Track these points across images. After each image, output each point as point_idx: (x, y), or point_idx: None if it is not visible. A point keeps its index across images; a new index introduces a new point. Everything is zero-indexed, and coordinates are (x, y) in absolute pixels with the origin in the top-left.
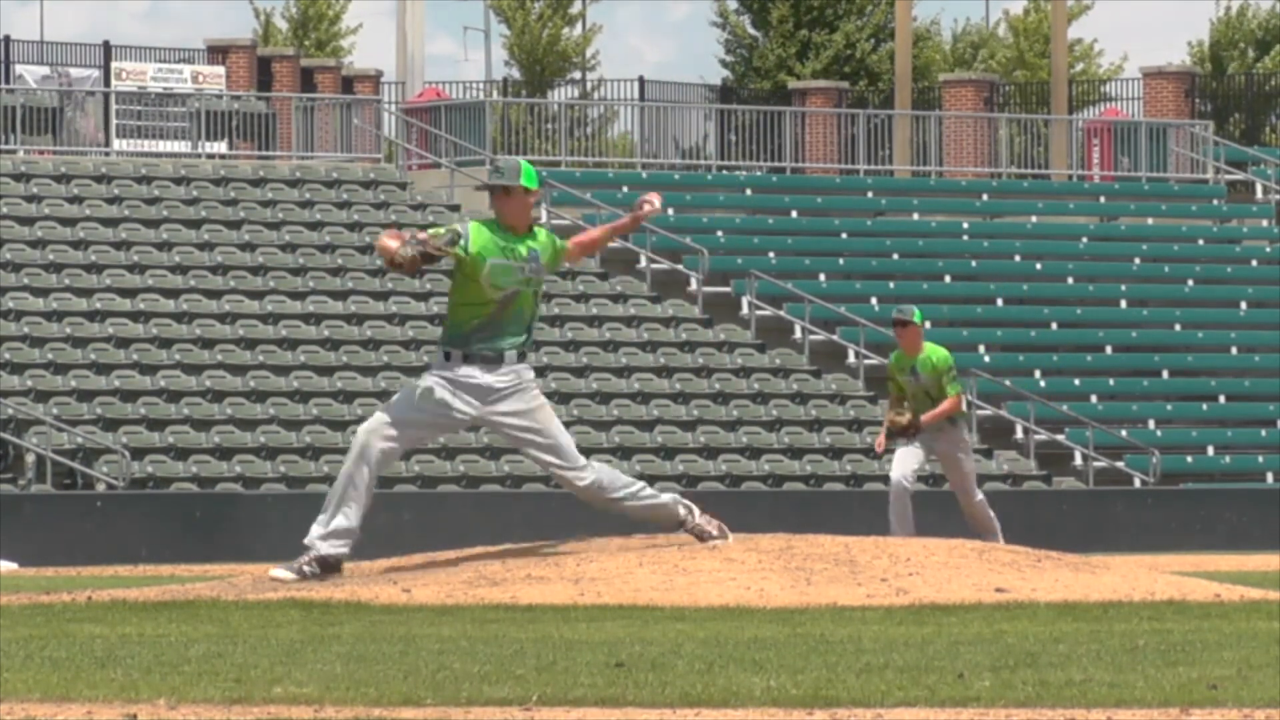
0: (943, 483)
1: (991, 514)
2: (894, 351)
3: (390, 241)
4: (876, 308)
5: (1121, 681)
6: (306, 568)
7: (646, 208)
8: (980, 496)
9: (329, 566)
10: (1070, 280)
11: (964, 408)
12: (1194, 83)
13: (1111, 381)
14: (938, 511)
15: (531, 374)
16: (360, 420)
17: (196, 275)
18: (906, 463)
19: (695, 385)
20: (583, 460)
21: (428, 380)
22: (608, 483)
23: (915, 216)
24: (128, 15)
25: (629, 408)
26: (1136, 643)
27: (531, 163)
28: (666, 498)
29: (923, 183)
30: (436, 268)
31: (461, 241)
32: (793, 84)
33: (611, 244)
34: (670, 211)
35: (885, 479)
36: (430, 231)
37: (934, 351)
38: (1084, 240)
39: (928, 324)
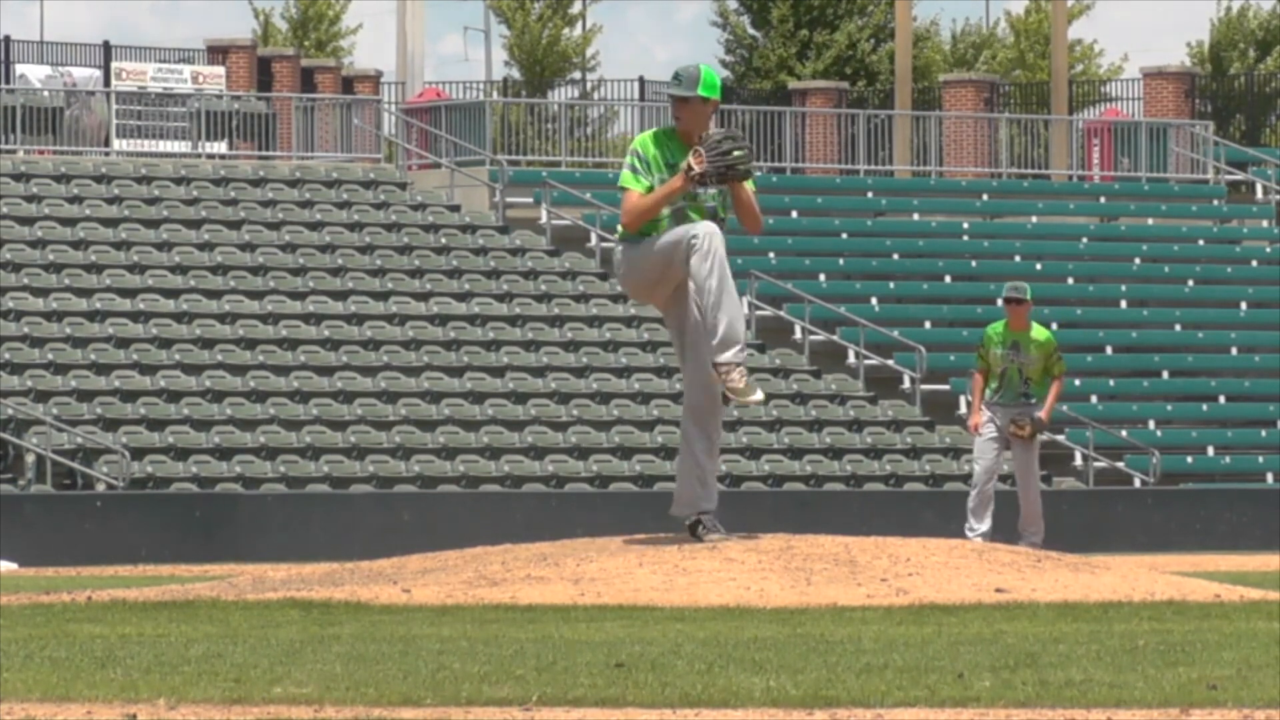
0: (944, 483)
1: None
2: (993, 325)
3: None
4: (876, 308)
5: (1121, 681)
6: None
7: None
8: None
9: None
10: (1070, 280)
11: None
12: (1194, 83)
13: (1111, 382)
14: (937, 511)
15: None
16: (360, 420)
17: (196, 275)
18: (989, 455)
19: None
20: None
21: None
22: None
23: (915, 216)
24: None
25: (629, 408)
26: (1136, 643)
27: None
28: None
29: (923, 183)
30: None
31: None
32: (793, 84)
33: (611, 245)
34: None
35: (886, 479)
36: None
37: (1040, 331)
38: (1084, 240)
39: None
